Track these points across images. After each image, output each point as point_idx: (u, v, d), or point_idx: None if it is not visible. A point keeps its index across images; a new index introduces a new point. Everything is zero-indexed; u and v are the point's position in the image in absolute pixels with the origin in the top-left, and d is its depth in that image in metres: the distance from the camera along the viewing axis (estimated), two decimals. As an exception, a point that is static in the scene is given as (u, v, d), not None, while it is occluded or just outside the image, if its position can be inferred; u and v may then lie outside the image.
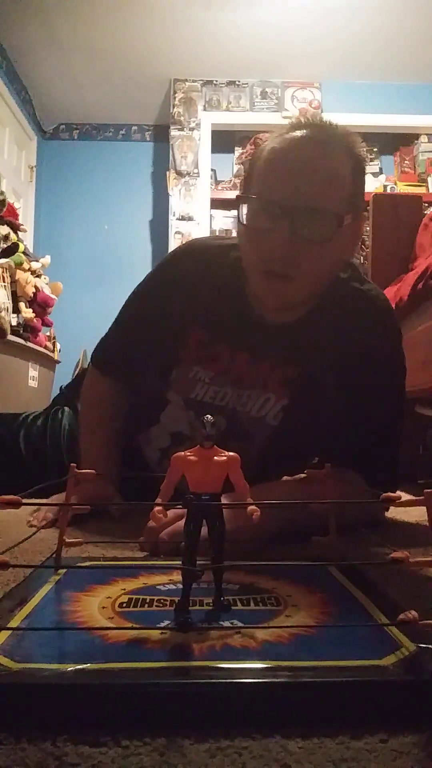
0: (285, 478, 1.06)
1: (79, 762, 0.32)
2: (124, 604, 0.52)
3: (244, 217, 0.90)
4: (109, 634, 0.45)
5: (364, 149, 0.93)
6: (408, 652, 0.41)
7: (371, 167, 4.26)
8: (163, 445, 1.05)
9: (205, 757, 0.33)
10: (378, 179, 4.19)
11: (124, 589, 0.56)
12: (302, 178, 0.85)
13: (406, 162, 4.27)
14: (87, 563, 0.67)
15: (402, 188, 4.09)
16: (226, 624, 0.47)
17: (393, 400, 1.01)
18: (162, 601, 0.53)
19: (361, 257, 2.77)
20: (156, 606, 0.52)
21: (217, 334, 1.02)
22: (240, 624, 0.47)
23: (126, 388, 1.14)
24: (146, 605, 0.52)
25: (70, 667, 0.39)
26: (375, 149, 4.29)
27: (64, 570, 0.62)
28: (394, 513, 1.07)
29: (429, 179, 4.12)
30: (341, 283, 0.98)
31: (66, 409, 1.34)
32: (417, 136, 4.22)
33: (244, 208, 0.90)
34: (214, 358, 1.02)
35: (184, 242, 1.12)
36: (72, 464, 0.66)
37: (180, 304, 1.04)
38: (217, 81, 4.22)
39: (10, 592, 0.55)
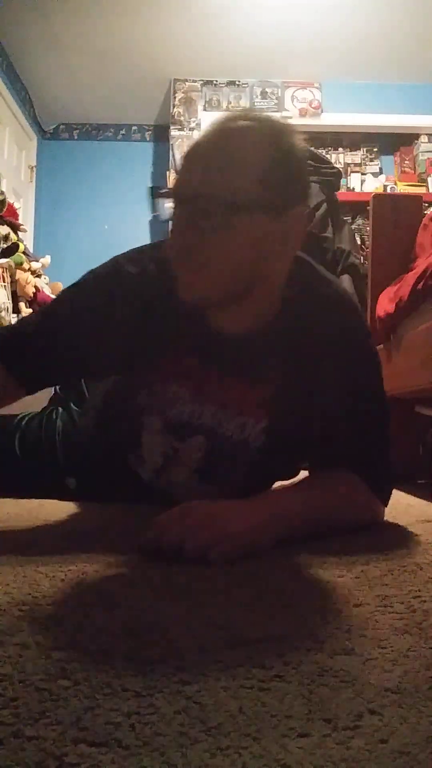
0: (282, 483, 1.05)
1: (79, 762, 0.32)
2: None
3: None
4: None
5: (301, 142, 0.85)
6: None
7: (371, 167, 4.27)
8: (156, 465, 1.01)
9: (205, 757, 0.33)
10: (378, 179, 4.19)
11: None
12: (195, 166, 0.83)
13: (406, 162, 4.27)
14: None
15: (402, 188, 4.09)
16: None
17: (376, 398, 0.97)
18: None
19: (361, 257, 2.76)
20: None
21: (183, 346, 0.96)
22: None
23: (13, 388, 1.03)
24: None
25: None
26: (375, 149, 4.29)
27: None
28: (394, 513, 1.07)
29: (429, 179, 4.12)
30: (299, 289, 0.93)
31: (60, 409, 1.34)
32: (417, 136, 4.22)
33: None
34: (187, 372, 0.96)
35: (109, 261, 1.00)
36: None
37: (128, 320, 0.96)
38: (217, 81, 4.22)
39: None
